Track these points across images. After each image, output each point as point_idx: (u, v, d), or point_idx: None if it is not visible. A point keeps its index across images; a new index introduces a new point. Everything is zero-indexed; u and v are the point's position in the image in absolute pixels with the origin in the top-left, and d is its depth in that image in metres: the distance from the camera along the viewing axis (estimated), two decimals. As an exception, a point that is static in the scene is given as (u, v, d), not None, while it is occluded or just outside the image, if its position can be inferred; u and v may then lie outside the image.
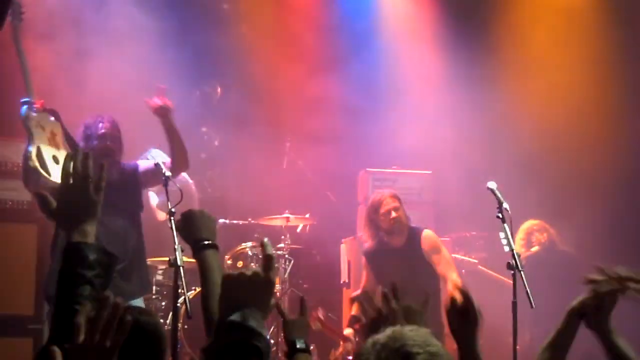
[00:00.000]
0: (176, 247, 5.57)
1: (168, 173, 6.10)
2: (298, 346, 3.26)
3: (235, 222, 9.64)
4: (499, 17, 10.42)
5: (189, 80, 10.13)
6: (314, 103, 10.22)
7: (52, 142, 6.08)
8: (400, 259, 7.27)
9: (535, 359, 3.17)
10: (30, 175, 5.94)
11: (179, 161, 6.54)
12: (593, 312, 3.16)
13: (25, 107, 6.10)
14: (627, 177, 9.53)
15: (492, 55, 10.26)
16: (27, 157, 5.97)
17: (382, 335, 2.25)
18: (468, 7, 10.47)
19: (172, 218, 5.74)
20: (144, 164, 6.72)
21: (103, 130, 6.46)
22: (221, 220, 9.66)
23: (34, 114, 6.09)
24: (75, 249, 2.72)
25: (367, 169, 9.55)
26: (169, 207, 5.83)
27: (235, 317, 2.22)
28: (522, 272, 5.80)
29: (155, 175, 6.39)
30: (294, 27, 10.47)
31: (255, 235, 9.58)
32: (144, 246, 6.60)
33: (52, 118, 6.21)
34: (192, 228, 3.32)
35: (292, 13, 10.51)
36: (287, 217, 9.27)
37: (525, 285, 5.66)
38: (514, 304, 5.86)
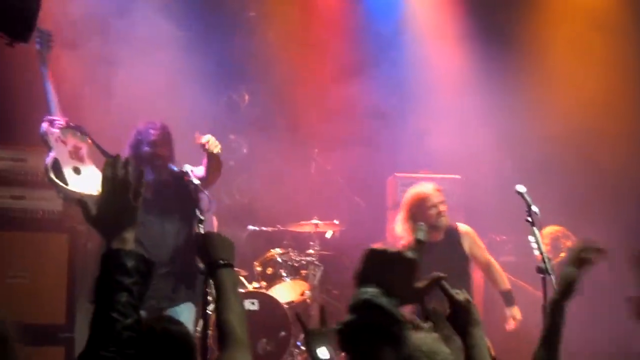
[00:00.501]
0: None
1: (196, 181, 6.13)
2: (321, 357, 3.30)
3: (263, 228, 9.66)
4: (527, 18, 10.36)
5: (216, 87, 10.18)
6: (342, 108, 10.22)
7: (75, 156, 6.19)
8: (438, 255, 7.04)
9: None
10: (52, 186, 6.08)
11: (211, 179, 6.54)
12: None
13: (45, 124, 6.23)
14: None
15: (520, 58, 10.20)
16: (45, 169, 6.10)
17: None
18: (495, 9, 10.42)
19: (201, 226, 5.78)
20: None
21: (153, 137, 6.53)
22: (250, 227, 9.68)
23: (55, 130, 6.19)
24: (114, 256, 2.71)
25: (396, 174, 9.54)
26: (198, 214, 5.87)
27: (374, 297, 2.14)
28: (552, 276, 5.76)
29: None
30: (319, 31, 10.48)
31: (284, 242, 9.59)
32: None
33: (79, 133, 6.30)
34: (210, 249, 3.34)
35: (317, 18, 10.52)
36: (316, 224, 9.26)
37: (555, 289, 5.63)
38: (545, 308, 5.81)
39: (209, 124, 9.68)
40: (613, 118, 9.64)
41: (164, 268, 6.42)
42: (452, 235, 7.35)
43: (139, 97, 8.53)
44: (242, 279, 9.01)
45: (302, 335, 8.45)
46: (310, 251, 9.23)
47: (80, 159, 6.21)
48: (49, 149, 6.15)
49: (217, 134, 8.86)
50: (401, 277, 2.10)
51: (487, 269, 7.52)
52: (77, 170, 6.10)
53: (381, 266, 2.20)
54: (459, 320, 3.27)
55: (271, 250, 9.33)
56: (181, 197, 6.47)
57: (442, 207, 7.22)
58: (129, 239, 2.77)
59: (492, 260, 7.51)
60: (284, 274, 9.15)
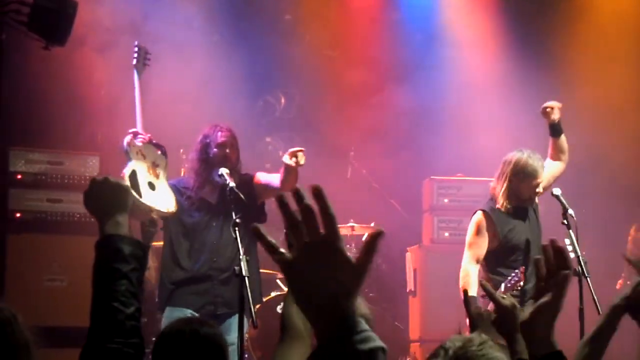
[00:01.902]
0: (241, 257, 5.63)
1: (232, 184, 6.13)
2: None
3: (300, 232, 9.64)
4: (564, 24, 10.30)
5: (252, 90, 10.22)
6: (378, 111, 10.21)
7: (152, 171, 6.22)
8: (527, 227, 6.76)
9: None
10: None
11: (284, 189, 6.50)
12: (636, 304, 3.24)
13: (129, 136, 6.23)
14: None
15: (557, 63, 10.16)
16: (121, 176, 6.04)
17: (446, 356, 2.20)
18: (532, 15, 10.37)
19: (236, 229, 5.78)
20: (261, 175, 6.84)
21: (222, 139, 6.56)
22: (285, 230, 9.68)
23: (138, 143, 6.20)
24: (110, 243, 2.64)
25: (432, 177, 9.51)
26: (234, 217, 5.87)
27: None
28: (588, 278, 5.72)
29: (268, 187, 6.60)
30: (356, 34, 10.47)
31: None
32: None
33: (159, 152, 6.34)
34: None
35: (354, 20, 10.51)
36: (352, 226, 9.25)
37: (592, 291, 5.59)
38: (581, 311, 5.78)
39: (245, 126, 9.74)
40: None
41: (224, 274, 6.42)
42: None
43: (177, 101, 8.59)
44: (279, 281, 9.02)
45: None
46: (347, 254, 9.21)
47: (156, 176, 6.24)
48: (129, 159, 6.15)
49: (253, 136, 8.93)
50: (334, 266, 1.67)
51: None
52: (151, 186, 6.12)
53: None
54: (505, 325, 3.22)
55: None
56: (243, 203, 6.45)
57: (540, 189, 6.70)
58: (123, 223, 2.70)
59: None
60: (320, 277, 9.15)
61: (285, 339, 2.97)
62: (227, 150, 6.55)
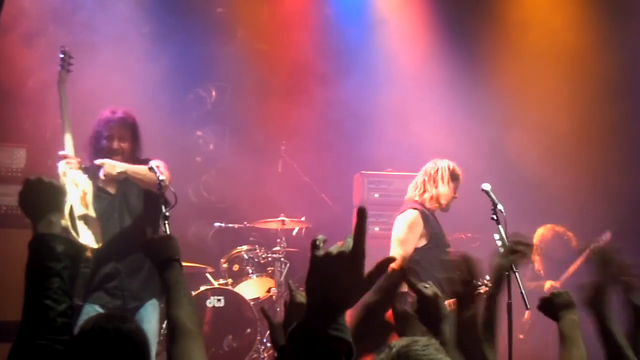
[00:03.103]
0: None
1: (162, 177, 6.04)
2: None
3: (230, 225, 9.62)
4: (497, 19, 10.41)
5: (183, 84, 10.15)
6: (310, 105, 10.21)
7: (83, 202, 6.02)
8: None
9: None
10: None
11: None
12: (592, 295, 3.36)
13: (64, 162, 5.95)
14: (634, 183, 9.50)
15: (487, 59, 10.27)
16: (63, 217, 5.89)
17: (390, 354, 2.23)
18: (466, 11, 10.47)
19: (166, 222, 5.72)
20: (154, 164, 6.58)
21: (110, 132, 6.35)
22: (217, 224, 9.66)
23: (71, 171, 5.99)
24: (43, 241, 2.68)
25: (362, 172, 9.54)
26: (163, 211, 5.81)
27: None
28: (517, 274, 5.77)
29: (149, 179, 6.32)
30: (288, 28, 10.46)
31: (251, 239, 9.59)
32: None
33: (86, 176, 6.14)
34: (152, 252, 3.41)
35: (287, 14, 10.50)
36: (283, 221, 9.25)
37: (520, 286, 5.64)
38: (509, 305, 5.83)
39: (176, 120, 9.69)
40: (585, 121, 9.71)
41: (129, 267, 6.32)
42: None
43: (104, 95, 8.49)
44: (209, 275, 8.99)
45: (267, 332, 8.44)
46: (277, 248, 9.23)
47: (86, 206, 6.05)
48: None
49: (184, 129, 8.86)
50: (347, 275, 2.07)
51: None
52: (84, 219, 5.97)
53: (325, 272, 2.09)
54: (429, 316, 3.24)
55: (238, 247, 9.32)
56: (142, 191, 6.37)
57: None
58: (56, 223, 2.75)
59: None
60: (250, 271, 9.15)
61: (179, 339, 3.03)
62: (115, 144, 6.34)
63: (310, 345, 2.00)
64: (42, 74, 8.16)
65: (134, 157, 6.43)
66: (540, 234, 9.18)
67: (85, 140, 6.41)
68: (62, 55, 6.31)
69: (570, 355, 3.33)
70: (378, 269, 2.10)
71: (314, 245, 2.12)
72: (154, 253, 3.37)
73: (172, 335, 3.03)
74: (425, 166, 7.39)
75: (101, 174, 6.11)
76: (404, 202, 7.38)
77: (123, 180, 6.30)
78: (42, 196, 2.78)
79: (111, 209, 6.30)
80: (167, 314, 3.12)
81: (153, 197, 6.20)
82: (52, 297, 2.60)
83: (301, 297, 3.45)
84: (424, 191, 7.25)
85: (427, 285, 3.30)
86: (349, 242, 2.08)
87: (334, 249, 2.09)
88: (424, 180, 7.30)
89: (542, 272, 9.18)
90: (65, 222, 5.80)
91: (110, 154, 6.28)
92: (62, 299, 2.61)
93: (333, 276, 2.05)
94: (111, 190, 6.39)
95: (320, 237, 2.12)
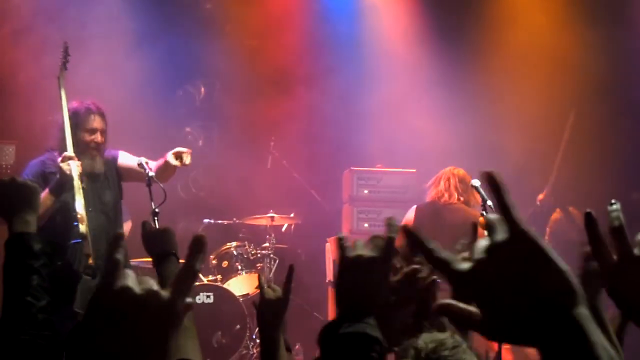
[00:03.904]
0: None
1: (151, 173, 6.03)
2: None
3: (219, 222, 9.63)
4: (484, 20, 10.43)
5: (172, 80, 10.14)
6: (299, 101, 10.22)
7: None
8: None
9: None
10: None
11: (161, 178, 6.35)
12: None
13: (74, 163, 5.94)
14: (622, 182, 9.51)
15: (476, 54, 10.28)
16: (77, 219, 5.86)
17: (424, 347, 2.22)
18: (456, 8, 10.48)
19: (156, 219, 5.71)
20: (124, 157, 6.50)
21: (94, 125, 6.31)
22: (205, 220, 9.65)
23: (76, 171, 5.94)
24: (20, 240, 2.73)
25: (352, 168, 9.54)
26: (153, 207, 5.81)
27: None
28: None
29: (136, 173, 6.30)
30: (278, 23, 10.46)
31: (240, 235, 9.59)
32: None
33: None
34: (148, 245, 3.45)
35: (276, 9, 10.49)
36: (272, 217, 9.26)
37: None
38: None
39: (165, 116, 9.68)
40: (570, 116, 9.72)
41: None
42: None
43: (90, 89, 8.47)
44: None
45: (257, 329, 8.45)
46: (266, 244, 9.23)
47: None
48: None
49: (173, 125, 8.85)
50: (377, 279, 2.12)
51: None
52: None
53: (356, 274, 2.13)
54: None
55: (227, 243, 9.32)
56: (111, 184, 6.35)
57: None
58: (32, 222, 2.80)
59: None
60: (239, 267, 9.15)
61: None
62: (99, 138, 6.33)
63: (343, 342, 2.06)
64: (32, 70, 8.15)
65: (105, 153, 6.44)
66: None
67: (54, 132, 6.34)
68: (63, 52, 6.34)
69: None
70: (407, 276, 2.20)
71: (342, 246, 2.15)
72: (150, 245, 3.40)
73: None
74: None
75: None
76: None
77: (93, 175, 6.26)
78: (16, 196, 2.83)
79: (87, 205, 6.09)
80: None
81: (111, 183, 6.22)
82: (32, 294, 2.65)
83: (272, 292, 3.43)
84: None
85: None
86: (379, 243, 2.12)
87: (362, 250, 2.14)
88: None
89: None
90: (85, 228, 5.81)
91: (93, 148, 6.26)
92: (42, 295, 2.68)
93: (363, 279, 2.09)
94: (84, 185, 6.16)
95: (342, 234, 2.18)
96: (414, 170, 9.56)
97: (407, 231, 1.33)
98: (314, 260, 9.79)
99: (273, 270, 9.12)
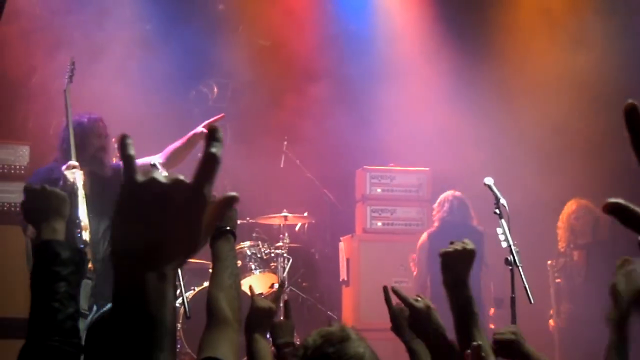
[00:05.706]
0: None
1: (165, 174, 6.03)
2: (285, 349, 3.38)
3: (233, 221, 9.62)
4: (499, 16, 10.41)
5: (185, 80, 10.15)
6: (312, 100, 10.22)
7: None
8: None
9: None
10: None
11: (173, 163, 6.48)
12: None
13: (78, 172, 6.00)
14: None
15: (491, 52, 10.26)
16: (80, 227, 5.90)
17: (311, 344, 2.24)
18: (467, 8, 10.47)
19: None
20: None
21: (104, 130, 6.43)
22: (219, 220, 9.65)
23: (79, 181, 5.99)
24: (48, 248, 2.74)
25: (365, 167, 9.55)
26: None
27: None
28: (520, 268, 5.77)
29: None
30: (290, 23, 10.46)
31: (254, 235, 9.59)
32: None
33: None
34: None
35: (288, 9, 10.49)
36: (285, 216, 9.26)
37: (523, 280, 5.64)
38: (512, 299, 5.84)
39: (178, 116, 9.69)
40: (589, 112, 9.67)
41: (102, 268, 6.26)
42: None
43: (104, 91, 8.49)
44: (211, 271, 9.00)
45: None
46: (280, 244, 9.23)
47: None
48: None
49: (186, 126, 8.83)
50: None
51: None
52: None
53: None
54: (420, 327, 3.26)
55: (240, 243, 9.32)
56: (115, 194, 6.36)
57: None
58: (60, 230, 2.82)
59: None
60: (253, 267, 9.14)
61: (212, 325, 2.99)
62: (106, 143, 6.45)
63: None
64: (46, 72, 8.18)
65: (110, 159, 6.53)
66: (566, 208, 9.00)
67: (59, 144, 6.40)
68: (70, 66, 6.39)
69: None
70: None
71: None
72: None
73: (208, 319, 2.98)
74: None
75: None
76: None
77: (102, 180, 6.31)
78: (45, 204, 2.85)
79: (89, 211, 6.12)
80: (208, 291, 3.07)
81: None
82: (60, 300, 2.66)
83: (262, 302, 3.48)
84: None
85: (419, 299, 3.33)
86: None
87: None
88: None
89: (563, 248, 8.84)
90: (88, 235, 5.85)
91: (102, 152, 6.36)
92: (70, 302, 2.70)
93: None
94: (86, 191, 6.21)
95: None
96: (427, 169, 9.56)
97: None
98: (328, 259, 9.80)
99: (287, 270, 9.11)
